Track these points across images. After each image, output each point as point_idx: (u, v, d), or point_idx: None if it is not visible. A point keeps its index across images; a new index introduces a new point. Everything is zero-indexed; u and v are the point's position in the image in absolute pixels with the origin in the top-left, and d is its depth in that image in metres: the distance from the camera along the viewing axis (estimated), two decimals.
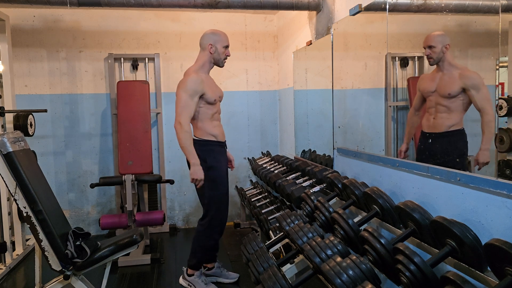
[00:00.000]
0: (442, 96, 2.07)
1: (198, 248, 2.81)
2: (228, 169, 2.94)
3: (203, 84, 2.63)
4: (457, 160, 2.04)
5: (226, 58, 2.76)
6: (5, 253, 3.24)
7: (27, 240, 3.72)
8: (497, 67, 1.82)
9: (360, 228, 1.83)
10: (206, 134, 2.71)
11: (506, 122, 1.92)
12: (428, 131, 2.18)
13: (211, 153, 2.71)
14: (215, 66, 2.78)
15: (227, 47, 2.73)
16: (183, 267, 2.89)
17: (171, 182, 3.93)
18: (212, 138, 2.72)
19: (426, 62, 2.62)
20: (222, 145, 2.81)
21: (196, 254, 2.82)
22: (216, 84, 2.87)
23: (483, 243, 1.27)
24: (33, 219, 2.14)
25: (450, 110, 2.06)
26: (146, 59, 4.27)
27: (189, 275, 2.82)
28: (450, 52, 2.04)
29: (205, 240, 2.79)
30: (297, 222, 2.22)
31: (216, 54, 2.70)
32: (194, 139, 2.69)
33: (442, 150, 2.10)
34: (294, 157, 3.83)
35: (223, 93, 2.92)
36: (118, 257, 2.91)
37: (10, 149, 2.12)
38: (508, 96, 1.87)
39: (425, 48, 2.11)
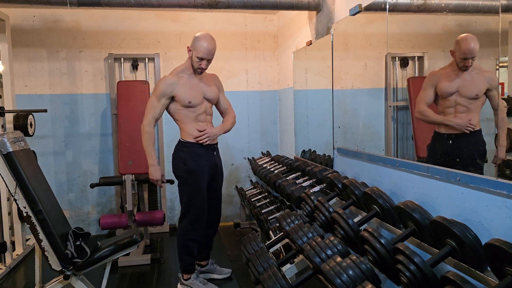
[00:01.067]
0: (467, 97, 2.05)
1: (183, 251, 2.78)
2: (223, 171, 2.96)
3: (173, 86, 2.60)
4: (479, 160, 2.00)
5: (199, 69, 2.65)
6: (5, 253, 3.24)
7: (27, 240, 3.72)
8: (497, 67, 1.82)
9: (360, 228, 1.83)
10: (188, 136, 2.70)
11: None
12: (446, 132, 2.14)
13: (193, 155, 2.67)
14: (215, 65, 2.76)
15: (201, 59, 2.60)
16: (179, 274, 2.88)
17: (171, 182, 3.92)
18: (194, 140, 2.70)
19: (426, 62, 2.62)
20: (206, 147, 2.74)
21: (183, 259, 2.79)
22: (207, 84, 2.77)
23: (483, 243, 1.27)
24: (33, 219, 2.14)
25: (469, 111, 2.05)
26: (146, 59, 4.27)
27: (186, 279, 2.81)
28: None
29: (188, 242, 2.75)
30: (297, 222, 2.22)
31: (191, 60, 2.65)
32: (182, 141, 2.73)
33: (464, 151, 2.08)
34: (294, 157, 3.83)
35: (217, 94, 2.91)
36: (118, 257, 2.91)
37: (10, 149, 2.12)
38: (508, 96, 1.87)
39: (464, 59, 2.00)
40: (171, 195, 4.44)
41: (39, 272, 2.37)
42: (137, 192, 3.70)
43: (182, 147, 2.71)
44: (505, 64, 1.80)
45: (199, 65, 2.63)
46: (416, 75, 2.70)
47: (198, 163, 2.69)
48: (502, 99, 1.87)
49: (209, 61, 2.65)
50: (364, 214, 2.08)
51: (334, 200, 2.40)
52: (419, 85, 2.68)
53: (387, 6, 2.15)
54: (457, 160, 2.09)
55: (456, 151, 2.10)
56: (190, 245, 2.76)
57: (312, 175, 2.88)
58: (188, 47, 2.65)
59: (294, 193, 2.63)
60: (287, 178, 3.09)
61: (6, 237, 3.26)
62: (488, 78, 1.97)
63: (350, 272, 1.51)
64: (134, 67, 4.25)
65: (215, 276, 3.03)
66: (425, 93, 2.26)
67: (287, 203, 3.13)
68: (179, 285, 2.83)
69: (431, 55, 2.56)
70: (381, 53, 2.74)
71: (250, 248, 2.27)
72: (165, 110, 2.74)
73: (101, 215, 4.06)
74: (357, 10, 2.40)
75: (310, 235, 2.01)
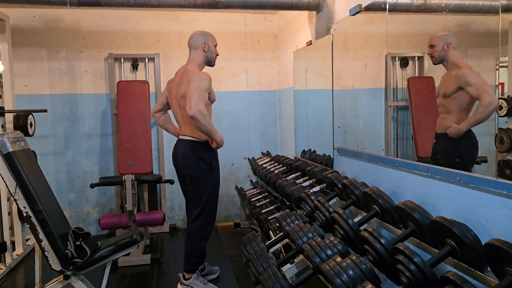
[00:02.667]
0: (441, 96, 2.08)
1: (195, 251, 2.78)
2: (223, 171, 2.99)
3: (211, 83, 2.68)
4: (457, 160, 2.02)
5: (216, 57, 2.82)
6: (5, 253, 3.24)
7: (27, 240, 3.72)
8: (497, 67, 1.83)
9: (360, 228, 1.83)
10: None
11: (506, 122, 1.92)
12: (435, 130, 2.18)
13: (215, 155, 2.76)
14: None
15: (216, 45, 2.80)
16: (179, 274, 2.88)
17: (171, 182, 3.93)
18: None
19: (426, 62, 2.62)
20: None
21: (192, 258, 2.79)
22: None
23: (483, 243, 1.28)
24: (33, 219, 2.13)
25: (448, 111, 2.06)
26: (146, 59, 4.27)
27: (187, 279, 2.81)
28: (454, 51, 2.02)
29: (200, 242, 2.77)
30: (297, 222, 2.22)
31: (209, 53, 2.75)
32: (199, 141, 2.68)
33: (442, 150, 2.10)
34: (294, 157, 3.83)
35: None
36: (118, 257, 2.91)
37: (10, 149, 2.12)
38: (508, 96, 1.87)
39: (428, 47, 2.12)
40: (171, 195, 4.44)
41: (39, 272, 2.37)
42: (137, 192, 3.70)
43: (205, 146, 2.68)
44: (505, 64, 1.80)
45: (216, 53, 2.80)
46: (416, 75, 2.70)
47: (217, 161, 2.78)
48: (502, 99, 1.87)
49: None
50: (364, 214, 2.08)
51: (334, 200, 2.40)
52: (419, 85, 2.69)
53: (387, 6, 2.15)
54: (436, 157, 2.13)
55: (440, 150, 2.13)
56: (203, 245, 2.79)
57: (312, 175, 2.88)
58: (203, 43, 2.71)
59: (294, 193, 2.63)
60: (287, 178, 3.09)
61: (6, 237, 3.26)
62: (456, 76, 1.98)
63: (350, 272, 1.51)
64: (134, 67, 4.25)
65: (212, 276, 3.04)
66: None
67: (287, 203, 3.14)
68: (179, 285, 2.84)
69: None
70: (381, 53, 2.74)
71: (250, 248, 2.27)
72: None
73: (101, 215, 4.06)
74: (357, 10, 2.40)
75: (310, 235, 2.01)
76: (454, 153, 2.03)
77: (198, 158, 2.67)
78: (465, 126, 1.95)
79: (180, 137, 2.78)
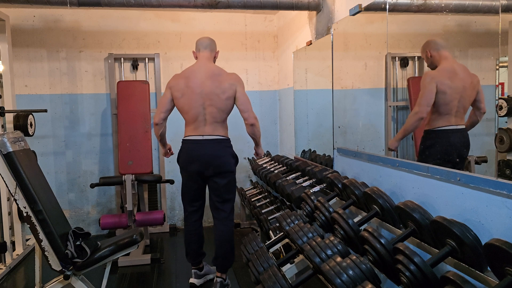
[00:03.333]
0: None
1: (233, 245, 2.80)
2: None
3: None
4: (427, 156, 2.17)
5: None
6: (5, 253, 3.24)
7: (27, 240, 3.72)
8: (497, 67, 1.83)
9: (360, 228, 1.83)
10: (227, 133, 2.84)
11: (506, 122, 1.92)
12: None
13: None
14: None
15: None
16: (220, 278, 2.75)
17: (171, 182, 3.93)
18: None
19: (425, 62, 2.64)
20: None
21: (232, 254, 2.80)
22: None
23: (483, 243, 1.28)
24: (33, 219, 2.13)
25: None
26: (146, 59, 4.27)
27: (225, 279, 2.79)
28: (440, 53, 2.10)
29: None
30: (297, 222, 2.22)
31: (216, 59, 2.87)
32: (227, 138, 2.78)
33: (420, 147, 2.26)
34: (294, 157, 3.83)
35: None
36: (118, 257, 2.91)
37: (10, 149, 2.12)
38: (508, 96, 1.87)
39: None
40: (171, 195, 4.44)
41: (39, 272, 2.37)
42: (137, 192, 3.70)
43: (229, 142, 2.80)
44: (505, 64, 1.80)
45: None
46: (416, 75, 2.70)
47: None
48: (502, 99, 1.87)
49: None
50: (364, 214, 2.08)
51: (334, 200, 2.40)
52: (419, 85, 2.69)
53: (387, 6, 2.15)
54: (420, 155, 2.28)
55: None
56: None
57: (312, 175, 2.88)
58: (218, 51, 2.86)
59: (294, 193, 2.63)
60: (287, 178, 3.09)
61: (6, 237, 3.26)
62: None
63: (350, 272, 1.51)
64: (134, 67, 4.25)
65: (211, 276, 3.00)
66: None
67: (287, 203, 3.13)
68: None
69: None
70: (381, 53, 2.74)
71: (250, 248, 2.27)
72: (225, 108, 2.74)
73: (101, 215, 4.05)
74: (357, 10, 2.40)
75: (310, 235, 2.01)
76: (426, 150, 2.20)
77: (230, 155, 2.78)
78: (396, 138, 2.20)
79: (199, 137, 2.69)
